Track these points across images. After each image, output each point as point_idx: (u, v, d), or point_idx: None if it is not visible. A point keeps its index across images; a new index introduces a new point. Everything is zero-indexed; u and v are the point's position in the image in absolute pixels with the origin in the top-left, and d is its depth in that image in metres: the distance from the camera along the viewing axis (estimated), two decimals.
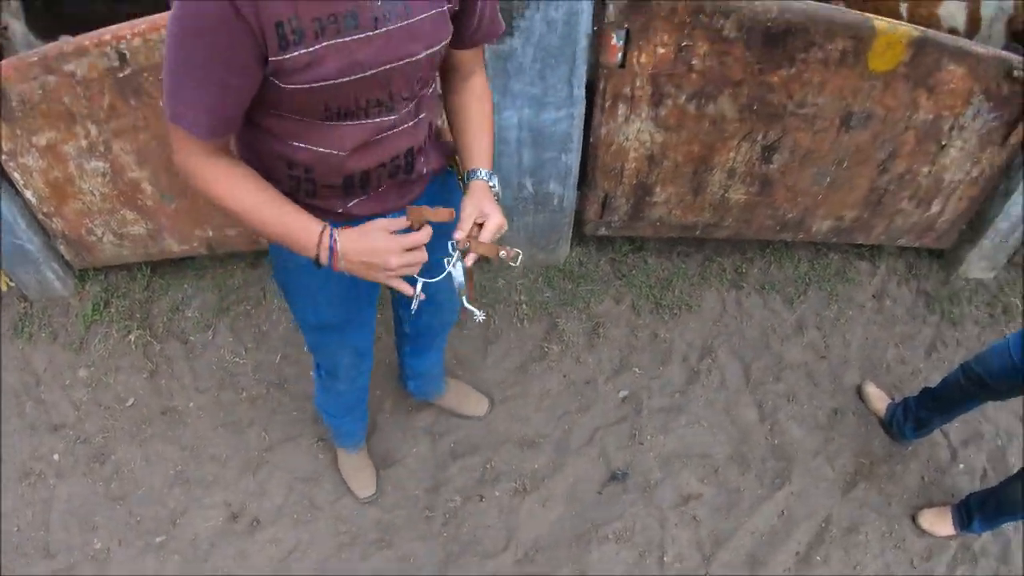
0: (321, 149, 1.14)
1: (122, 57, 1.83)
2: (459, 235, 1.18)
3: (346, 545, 2.13)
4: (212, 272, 2.56)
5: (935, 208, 2.78)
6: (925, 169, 2.61)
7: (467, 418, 2.31)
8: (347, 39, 1.01)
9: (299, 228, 1.12)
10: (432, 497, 2.17)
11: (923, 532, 2.33)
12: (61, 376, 2.33)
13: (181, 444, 2.21)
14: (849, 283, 2.88)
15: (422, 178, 1.34)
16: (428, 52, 1.12)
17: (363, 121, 1.12)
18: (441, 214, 1.17)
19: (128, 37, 1.80)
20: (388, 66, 1.08)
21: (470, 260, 1.19)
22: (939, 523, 2.34)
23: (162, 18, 1.80)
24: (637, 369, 2.49)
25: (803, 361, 2.62)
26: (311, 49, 0.99)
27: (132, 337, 2.39)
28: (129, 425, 2.24)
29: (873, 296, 2.87)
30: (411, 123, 1.22)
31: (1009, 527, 2.34)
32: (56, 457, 2.18)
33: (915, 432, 2.41)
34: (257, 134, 1.15)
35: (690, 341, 2.60)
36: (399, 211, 1.25)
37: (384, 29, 1.04)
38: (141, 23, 1.80)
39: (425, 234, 1.15)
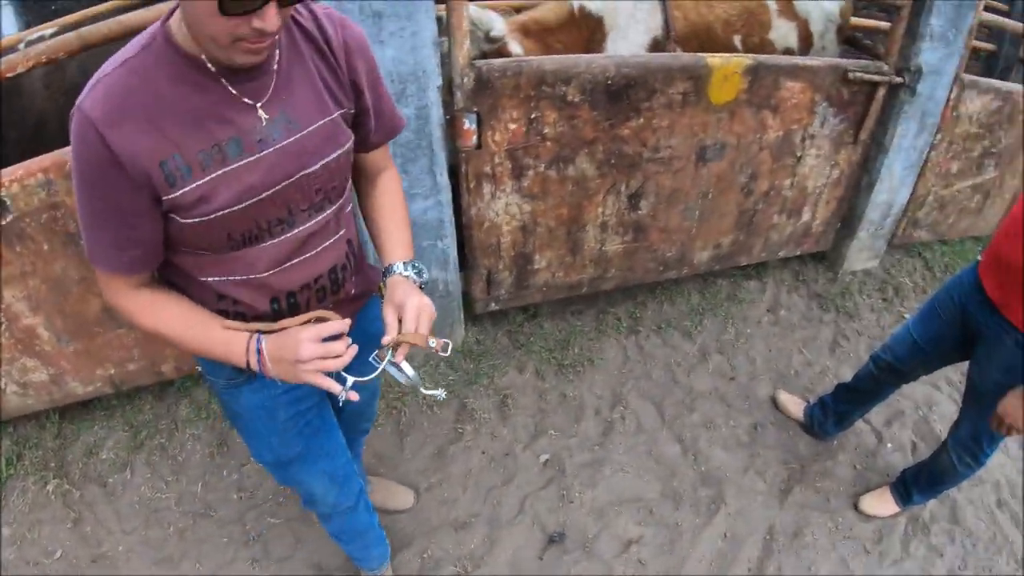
0: (237, 277, 1.15)
1: (2, 205, 1.84)
2: (386, 340, 1.16)
3: None
4: (121, 410, 2.52)
5: (806, 215, 2.93)
6: (787, 182, 2.77)
7: (396, 512, 2.28)
8: (234, 166, 1.02)
9: (228, 341, 1.14)
10: None
11: (868, 517, 2.37)
12: None
13: None
14: (741, 303, 3.00)
15: (351, 300, 1.33)
16: (324, 162, 1.12)
17: (268, 243, 1.12)
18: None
19: (6, 184, 1.82)
20: (281, 184, 1.08)
21: (400, 355, 1.17)
22: (881, 504, 2.38)
23: (37, 162, 1.81)
24: (553, 431, 2.51)
25: (713, 387, 2.68)
26: (200, 182, 1.00)
27: (50, 488, 2.31)
28: None
29: (767, 310, 2.99)
30: (332, 240, 1.22)
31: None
32: None
33: (837, 427, 2.48)
34: (177, 273, 1.16)
35: (599, 394, 2.64)
36: None
37: (271, 149, 1.05)
38: (18, 170, 1.81)
39: (340, 324, 1.14)
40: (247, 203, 1.05)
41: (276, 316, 1.20)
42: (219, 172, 1.01)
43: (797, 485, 2.42)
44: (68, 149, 1.93)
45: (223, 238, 1.07)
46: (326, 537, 2.22)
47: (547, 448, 2.46)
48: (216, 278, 1.14)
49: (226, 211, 1.03)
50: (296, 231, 1.14)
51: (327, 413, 1.53)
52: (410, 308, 1.17)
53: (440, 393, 1.24)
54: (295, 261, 1.17)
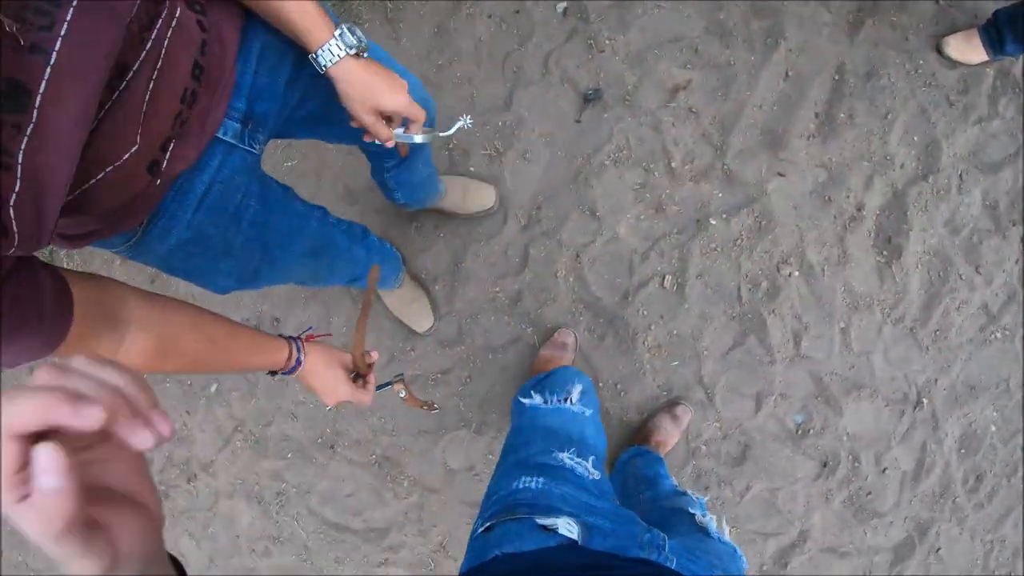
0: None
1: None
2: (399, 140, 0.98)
3: None
4: None
5: None
6: None
7: (479, 215, 1.91)
8: None
9: (261, 364, 0.95)
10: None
11: (953, 63, 1.98)
12: None
13: None
14: None
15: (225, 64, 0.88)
16: None
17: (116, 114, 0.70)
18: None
19: None
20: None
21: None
22: (968, 49, 1.97)
23: None
24: None
25: None
26: None
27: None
28: None
29: None
30: (187, 34, 0.77)
31: None
32: None
33: None
34: None
35: None
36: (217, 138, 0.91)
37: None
38: None
39: (369, 396, 1.05)
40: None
41: (157, 176, 0.83)
42: None
43: (869, 18, 1.97)
44: None
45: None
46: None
47: None
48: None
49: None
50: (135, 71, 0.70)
51: (270, 186, 1.06)
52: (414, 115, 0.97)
53: (465, 120, 1.05)
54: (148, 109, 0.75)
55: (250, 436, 2.23)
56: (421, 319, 1.93)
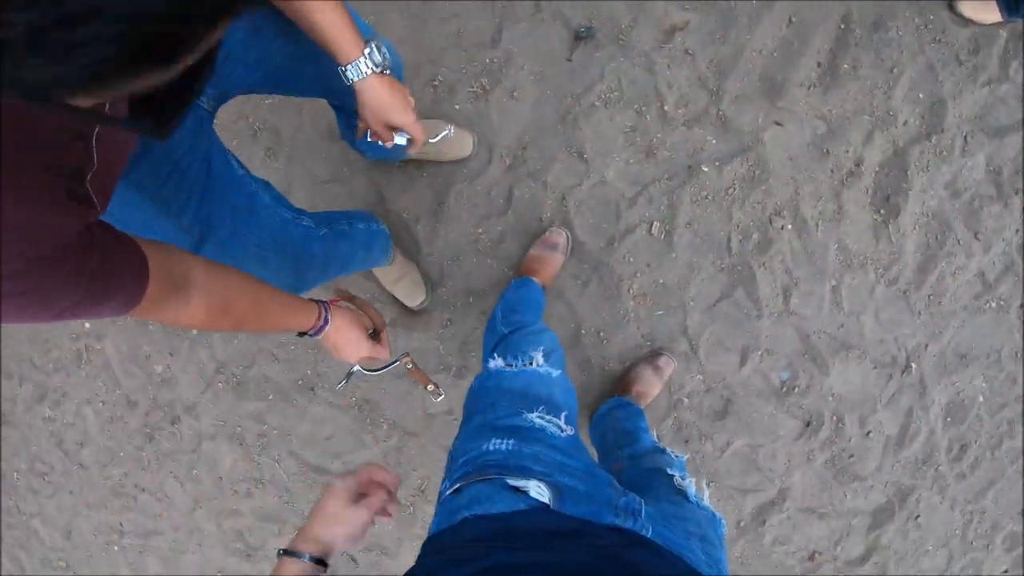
0: None
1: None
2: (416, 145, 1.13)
3: None
4: None
5: None
6: None
7: (458, 160, 1.84)
8: None
9: (294, 324, 1.01)
10: None
11: (965, 21, 1.89)
12: None
13: None
14: None
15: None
16: None
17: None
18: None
19: None
20: None
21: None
22: (982, 8, 1.89)
23: None
24: None
25: None
26: None
27: None
28: None
29: None
30: None
31: None
32: None
33: None
34: None
35: None
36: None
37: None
38: None
39: (386, 351, 1.13)
40: None
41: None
42: None
43: None
44: None
45: None
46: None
47: None
48: None
49: None
50: None
51: (220, 156, 1.05)
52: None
53: (449, 131, 1.24)
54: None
55: (232, 378, 2.21)
56: (412, 294, 1.89)
